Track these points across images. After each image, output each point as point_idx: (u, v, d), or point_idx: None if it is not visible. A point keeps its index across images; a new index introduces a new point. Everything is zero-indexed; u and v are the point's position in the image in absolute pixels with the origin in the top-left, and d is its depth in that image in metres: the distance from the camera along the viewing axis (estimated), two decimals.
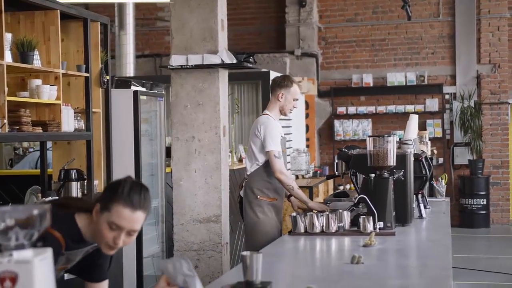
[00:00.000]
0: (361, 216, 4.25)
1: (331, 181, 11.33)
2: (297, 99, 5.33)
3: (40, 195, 5.49)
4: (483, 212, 12.24)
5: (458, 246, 10.18)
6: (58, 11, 5.23)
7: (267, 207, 5.16)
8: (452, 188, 12.54)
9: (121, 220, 2.55)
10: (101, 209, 2.58)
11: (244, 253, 2.74)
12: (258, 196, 5.17)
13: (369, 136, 4.47)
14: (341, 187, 12.10)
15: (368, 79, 12.84)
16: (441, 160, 12.52)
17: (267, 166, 5.16)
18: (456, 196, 12.54)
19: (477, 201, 12.22)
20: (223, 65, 5.87)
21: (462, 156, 12.54)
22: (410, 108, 12.58)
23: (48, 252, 1.82)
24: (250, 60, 6.21)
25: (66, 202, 2.74)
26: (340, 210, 4.41)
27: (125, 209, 2.55)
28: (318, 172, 11.03)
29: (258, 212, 5.16)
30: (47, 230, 2.45)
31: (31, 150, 8.94)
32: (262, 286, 2.75)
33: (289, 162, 9.75)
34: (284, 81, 5.30)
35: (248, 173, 5.26)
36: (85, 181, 5.60)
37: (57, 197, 5.05)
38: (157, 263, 6.88)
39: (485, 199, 12.23)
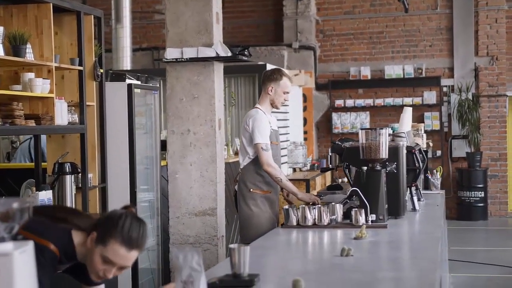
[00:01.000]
0: (353, 209, 4.25)
1: (328, 174, 11.34)
2: (287, 92, 5.31)
3: (34, 188, 5.49)
4: (481, 204, 12.25)
5: (456, 238, 10.20)
6: (51, 4, 5.21)
7: (261, 200, 5.17)
8: (450, 181, 12.55)
9: (115, 257, 2.53)
10: (97, 239, 2.54)
11: (232, 246, 2.75)
12: (251, 190, 5.19)
13: (362, 129, 4.48)
14: (339, 180, 12.11)
15: (366, 72, 12.83)
16: (439, 152, 12.52)
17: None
18: (454, 189, 12.54)
19: (475, 193, 12.22)
20: (218, 58, 5.86)
21: (460, 149, 12.54)
22: (408, 100, 12.57)
23: (29, 245, 1.83)
24: (245, 53, 6.20)
25: (65, 217, 2.67)
26: (333, 203, 4.41)
27: (122, 247, 2.52)
28: (316, 165, 11.04)
29: (251, 205, 5.17)
30: (43, 242, 2.49)
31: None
32: (249, 279, 2.76)
33: (285, 155, 9.76)
34: (274, 74, 5.29)
35: (241, 167, 5.29)
36: (79, 174, 5.60)
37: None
38: (152, 256, 6.89)
39: (483, 192, 12.23)
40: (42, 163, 5.79)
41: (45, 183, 5.53)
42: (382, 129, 4.43)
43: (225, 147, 7.44)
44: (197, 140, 5.92)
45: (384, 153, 4.40)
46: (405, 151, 4.72)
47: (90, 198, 5.77)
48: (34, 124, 4.95)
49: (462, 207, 12.32)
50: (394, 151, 4.55)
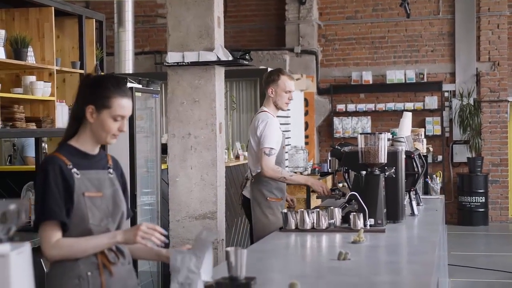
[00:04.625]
0: (352, 213, 4.26)
1: (330, 178, 11.35)
2: (289, 91, 5.23)
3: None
4: (482, 210, 12.25)
5: (456, 243, 10.20)
6: (53, 8, 5.25)
7: (277, 208, 5.15)
8: (451, 186, 12.55)
9: (123, 110, 2.81)
10: (98, 109, 2.79)
11: (228, 249, 2.76)
12: (268, 198, 5.14)
13: (361, 134, 4.48)
14: (340, 185, 12.11)
15: (367, 77, 12.85)
16: (440, 157, 12.53)
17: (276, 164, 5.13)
18: (455, 194, 12.55)
19: (475, 198, 12.22)
20: (219, 62, 5.89)
21: (461, 154, 12.55)
22: (409, 105, 12.58)
23: (26, 246, 1.85)
24: (246, 57, 6.22)
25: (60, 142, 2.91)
26: (332, 207, 4.42)
27: (123, 99, 2.81)
28: (317, 169, 11.04)
29: (268, 214, 5.12)
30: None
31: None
32: (246, 282, 2.78)
33: (286, 159, 9.77)
34: (271, 76, 5.26)
35: (253, 174, 5.20)
36: None
37: None
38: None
39: (483, 197, 12.24)
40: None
41: None
42: (381, 133, 4.43)
43: (226, 151, 7.46)
44: (198, 143, 5.94)
45: (383, 158, 4.41)
46: (404, 156, 4.73)
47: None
48: (35, 127, 4.98)
49: (463, 212, 12.32)
50: (393, 155, 4.56)
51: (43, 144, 5.99)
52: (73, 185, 2.77)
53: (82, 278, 2.79)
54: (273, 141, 5.11)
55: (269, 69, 10.10)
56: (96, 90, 2.82)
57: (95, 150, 2.91)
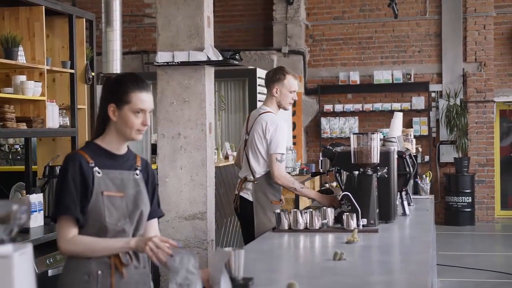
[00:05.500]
0: (345, 213, 4.26)
1: (317, 179, 11.36)
2: (293, 91, 5.14)
3: (24, 191, 5.47)
4: (468, 210, 12.32)
5: (443, 243, 10.24)
6: (43, 7, 5.21)
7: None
8: (438, 186, 12.61)
9: (144, 104, 2.86)
10: (118, 106, 2.85)
11: (227, 249, 2.75)
12: (273, 201, 5.06)
13: (353, 134, 4.49)
14: (327, 184, 12.13)
15: (355, 77, 12.88)
16: (427, 158, 12.58)
17: None
18: (442, 194, 12.60)
19: (462, 198, 12.28)
20: (209, 62, 5.87)
21: (448, 154, 12.61)
22: (396, 106, 12.63)
23: (28, 248, 1.83)
24: (236, 57, 6.21)
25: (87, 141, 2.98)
26: (324, 207, 4.43)
27: (142, 93, 2.87)
28: (305, 169, 11.05)
29: (271, 217, 5.00)
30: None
31: (17, 147, 8.90)
32: (244, 283, 2.77)
33: None
34: (276, 75, 5.13)
35: (257, 176, 5.08)
36: None
37: None
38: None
39: (470, 197, 12.30)
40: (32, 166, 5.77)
41: (35, 186, 5.51)
42: (373, 133, 4.44)
43: (215, 151, 7.44)
44: (188, 144, 5.92)
45: (375, 158, 4.41)
46: (396, 156, 4.75)
47: None
48: (25, 127, 4.94)
49: (449, 212, 12.38)
50: (385, 155, 4.57)
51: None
52: (92, 183, 2.81)
53: (92, 276, 2.81)
54: (284, 147, 5.02)
55: (258, 69, 10.14)
56: (115, 89, 2.89)
57: (121, 150, 2.94)
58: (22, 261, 1.79)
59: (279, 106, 5.20)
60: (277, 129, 5.01)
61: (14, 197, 5.61)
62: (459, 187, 12.29)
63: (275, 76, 5.15)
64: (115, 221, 2.84)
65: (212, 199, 5.91)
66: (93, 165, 2.84)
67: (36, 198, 5.11)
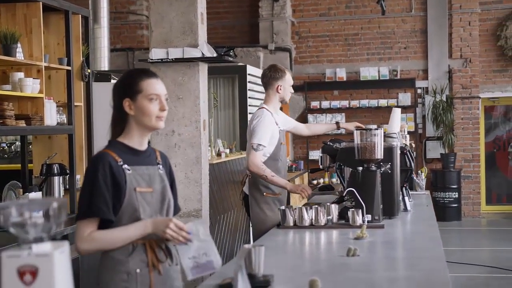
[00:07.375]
0: (350, 209, 4.26)
1: (306, 175, 11.38)
2: (291, 84, 5.42)
3: (21, 190, 5.41)
4: (455, 205, 12.40)
5: None
6: (41, 3, 5.15)
7: (274, 203, 5.15)
8: (425, 182, 12.65)
9: (156, 89, 2.85)
10: (132, 99, 2.84)
11: (247, 246, 2.73)
12: (264, 193, 5.15)
13: (357, 129, 4.48)
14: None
15: (341, 74, 12.89)
16: (414, 154, 12.61)
17: (271, 161, 5.12)
18: (429, 190, 12.64)
19: (449, 194, 12.36)
20: (203, 59, 5.85)
21: (434, 150, 12.68)
22: (383, 102, 12.67)
23: (66, 245, 1.80)
24: (231, 53, 6.20)
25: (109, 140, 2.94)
26: (328, 203, 4.42)
27: (151, 79, 2.86)
28: (294, 166, 11.07)
29: (265, 210, 5.12)
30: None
31: (3, 145, 8.81)
32: (265, 279, 2.76)
33: None
34: (277, 73, 5.28)
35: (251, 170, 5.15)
36: (67, 175, 5.54)
37: None
38: None
39: (456, 193, 12.38)
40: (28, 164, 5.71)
41: (32, 185, 5.46)
42: (377, 129, 4.44)
43: (209, 148, 7.41)
44: (182, 141, 5.90)
45: (379, 154, 4.41)
46: (399, 152, 4.75)
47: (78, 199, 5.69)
48: (24, 125, 4.88)
49: (436, 207, 12.31)
50: (388, 151, 4.58)
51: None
52: (125, 181, 2.78)
53: (131, 274, 2.78)
54: (263, 137, 5.08)
55: (248, 66, 10.11)
56: (125, 84, 2.89)
57: (143, 146, 2.91)
58: (62, 259, 1.77)
59: (282, 101, 5.34)
60: (259, 121, 5.11)
61: (7, 196, 5.54)
62: (446, 182, 12.36)
63: (276, 74, 5.28)
64: (149, 217, 2.82)
65: (206, 196, 5.90)
66: (121, 163, 2.81)
67: (35, 196, 5.07)
